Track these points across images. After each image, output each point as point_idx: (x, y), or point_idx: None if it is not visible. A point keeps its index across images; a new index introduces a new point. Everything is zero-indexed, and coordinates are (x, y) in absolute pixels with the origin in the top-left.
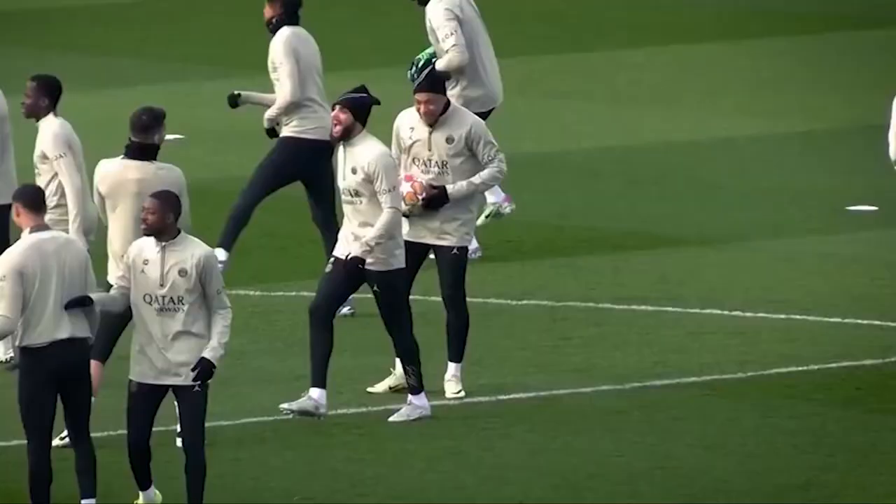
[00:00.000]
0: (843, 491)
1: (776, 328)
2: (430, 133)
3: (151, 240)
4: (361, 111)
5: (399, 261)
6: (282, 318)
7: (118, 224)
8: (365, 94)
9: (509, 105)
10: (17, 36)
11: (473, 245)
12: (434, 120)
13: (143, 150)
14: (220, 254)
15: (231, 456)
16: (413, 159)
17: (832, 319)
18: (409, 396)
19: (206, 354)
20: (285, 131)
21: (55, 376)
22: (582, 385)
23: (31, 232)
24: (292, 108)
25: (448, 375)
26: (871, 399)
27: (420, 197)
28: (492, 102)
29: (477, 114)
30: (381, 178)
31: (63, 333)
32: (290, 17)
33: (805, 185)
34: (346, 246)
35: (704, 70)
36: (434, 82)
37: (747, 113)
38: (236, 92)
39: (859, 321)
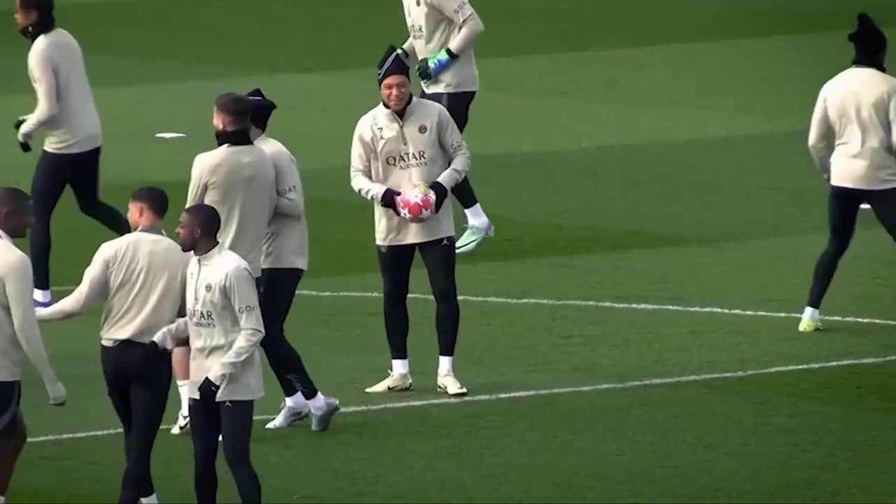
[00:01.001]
0: (844, 490)
1: (776, 327)
2: (402, 127)
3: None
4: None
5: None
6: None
7: (252, 213)
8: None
9: (509, 104)
10: (18, 35)
11: (486, 221)
12: (404, 105)
13: (244, 135)
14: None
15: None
16: (388, 160)
17: (832, 318)
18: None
19: (209, 373)
20: (47, 146)
21: (116, 378)
22: (582, 384)
23: (140, 230)
24: (52, 122)
25: (444, 371)
26: (872, 398)
27: (431, 202)
28: (476, 84)
29: (464, 93)
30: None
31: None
32: (44, 23)
33: (804, 183)
34: None
35: (704, 69)
36: (402, 65)
37: (746, 112)
38: (21, 137)
39: (860, 320)
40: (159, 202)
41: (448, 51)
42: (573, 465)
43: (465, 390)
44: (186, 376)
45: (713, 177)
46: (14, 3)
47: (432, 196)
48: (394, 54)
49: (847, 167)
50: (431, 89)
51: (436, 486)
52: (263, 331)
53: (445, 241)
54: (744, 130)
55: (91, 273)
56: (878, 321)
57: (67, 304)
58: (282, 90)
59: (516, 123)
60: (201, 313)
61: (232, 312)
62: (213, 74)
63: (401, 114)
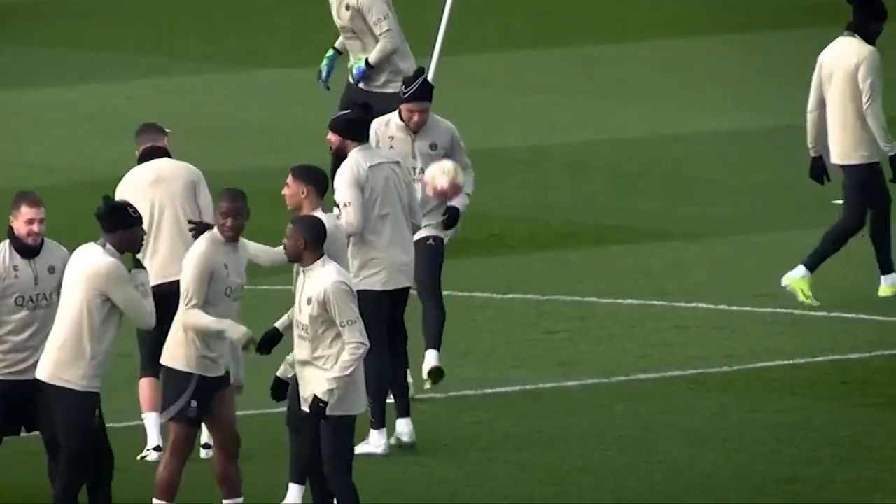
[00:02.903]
0: (829, 485)
1: (762, 322)
2: (414, 142)
3: None
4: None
5: None
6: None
7: None
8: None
9: (495, 100)
10: (3, 31)
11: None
12: (419, 129)
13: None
14: None
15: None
16: None
17: (818, 313)
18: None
19: (317, 390)
20: None
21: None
22: (567, 379)
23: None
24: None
25: (432, 362)
26: (857, 393)
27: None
28: None
29: (396, 93)
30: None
31: None
32: None
33: (790, 179)
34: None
35: (690, 64)
36: (428, 92)
37: (733, 107)
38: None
39: (845, 315)
40: (322, 183)
41: (366, 60)
42: (558, 461)
43: (438, 365)
44: (150, 407)
45: (699, 172)
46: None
47: (460, 179)
48: (422, 78)
49: (840, 142)
50: (367, 88)
51: (420, 481)
52: (367, 343)
53: (431, 241)
54: (730, 126)
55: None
56: (863, 316)
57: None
58: (265, 85)
59: (501, 119)
60: (303, 326)
61: (331, 326)
62: (199, 70)
63: (415, 129)
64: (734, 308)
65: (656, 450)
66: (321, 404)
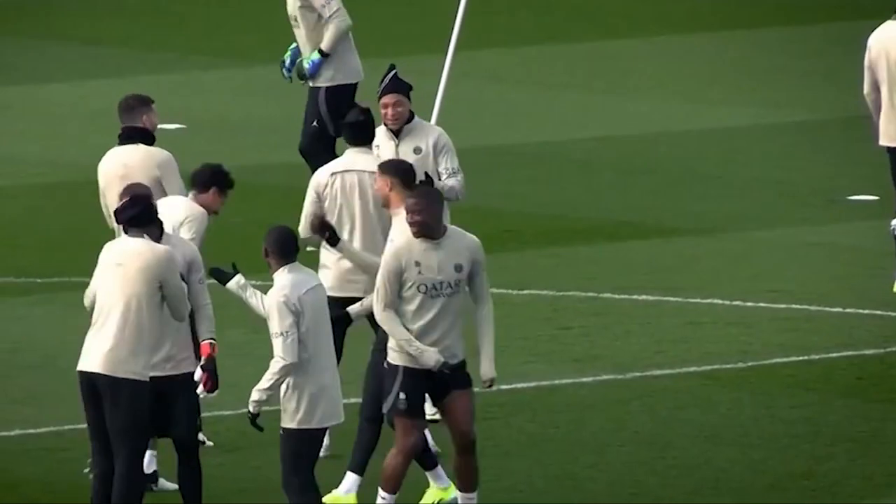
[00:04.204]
0: (844, 480)
1: (777, 318)
2: (397, 146)
3: None
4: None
5: None
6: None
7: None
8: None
9: (505, 96)
10: (9, 27)
11: None
12: (401, 125)
13: None
14: None
15: (231, 446)
16: None
17: (833, 309)
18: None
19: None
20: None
21: None
22: (582, 375)
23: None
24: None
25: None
26: (872, 389)
27: None
28: (359, 76)
29: (344, 86)
30: None
31: None
32: None
33: (801, 175)
34: None
35: (698, 60)
36: (400, 84)
37: (742, 103)
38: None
39: (860, 311)
40: (409, 175)
41: (320, 50)
42: (573, 457)
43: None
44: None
45: (709, 167)
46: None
47: None
48: (392, 72)
49: (886, 125)
50: (314, 85)
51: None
52: (289, 360)
53: None
54: (739, 121)
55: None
56: (878, 312)
57: None
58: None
59: (511, 115)
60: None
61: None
62: (206, 65)
63: (398, 132)
64: (749, 304)
65: (671, 446)
66: (249, 415)
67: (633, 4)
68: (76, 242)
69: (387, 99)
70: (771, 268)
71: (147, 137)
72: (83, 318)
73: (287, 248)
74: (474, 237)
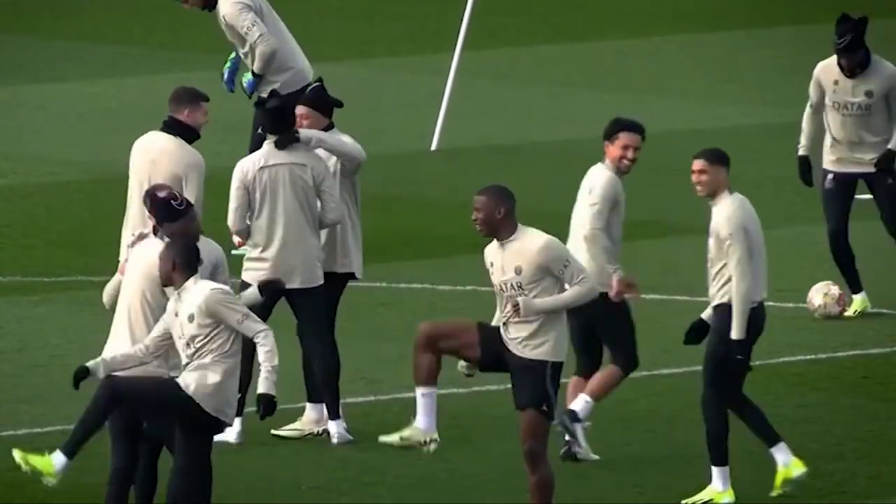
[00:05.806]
0: (851, 480)
1: (784, 317)
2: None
3: None
4: None
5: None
6: (287, 309)
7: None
8: None
9: (517, 94)
10: (25, 25)
11: None
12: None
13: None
14: None
15: (239, 445)
16: None
17: None
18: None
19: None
20: None
21: None
22: None
23: None
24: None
25: None
26: (879, 388)
27: None
28: (305, 79)
29: (300, 90)
30: None
31: None
32: None
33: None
34: None
35: (713, 59)
36: (315, 97)
37: (756, 101)
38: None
39: (868, 310)
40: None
41: (252, 72)
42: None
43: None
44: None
45: None
46: None
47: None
48: (314, 84)
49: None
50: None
51: (444, 476)
52: (268, 326)
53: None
54: (753, 120)
55: None
56: (885, 311)
57: None
58: None
59: (525, 113)
60: (184, 342)
61: (215, 336)
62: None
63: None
64: None
65: (679, 445)
66: (275, 400)
67: (648, 3)
68: (86, 242)
69: (298, 110)
70: (780, 267)
71: (185, 132)
72: (91, 318)
73: (194, 260)
74: (542, 239)
